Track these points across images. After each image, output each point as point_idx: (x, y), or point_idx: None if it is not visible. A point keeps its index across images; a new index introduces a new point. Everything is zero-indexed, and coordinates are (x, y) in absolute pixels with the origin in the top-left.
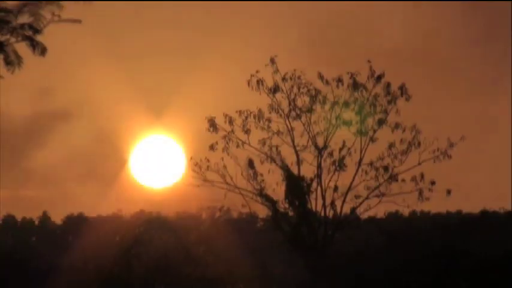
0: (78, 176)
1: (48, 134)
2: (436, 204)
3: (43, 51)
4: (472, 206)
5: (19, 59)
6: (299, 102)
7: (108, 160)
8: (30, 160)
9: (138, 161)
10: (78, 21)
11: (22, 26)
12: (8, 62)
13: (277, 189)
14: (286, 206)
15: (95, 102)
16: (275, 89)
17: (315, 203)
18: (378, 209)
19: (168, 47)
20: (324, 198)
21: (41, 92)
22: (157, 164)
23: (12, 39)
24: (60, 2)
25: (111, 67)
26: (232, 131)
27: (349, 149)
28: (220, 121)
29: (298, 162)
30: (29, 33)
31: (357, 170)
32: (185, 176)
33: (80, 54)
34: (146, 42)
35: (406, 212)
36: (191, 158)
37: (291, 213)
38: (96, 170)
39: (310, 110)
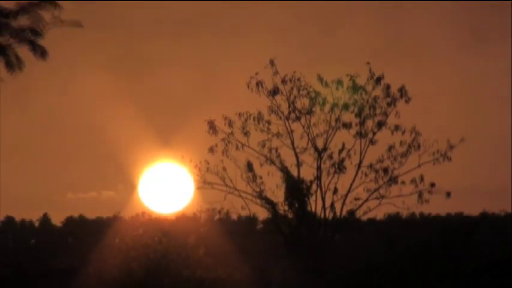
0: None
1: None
2: (436, 207)
3: (43, 54)
4: (472, 208)
5: (20, 62)
6: (299, 104)
7: (116, 185)
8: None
9: (147, 188)
10: (79, 24)
11: (23, 29)
12: (9, 65)
13: (276, 191)
14: (286, 208)
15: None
16: (275, 91)
17: (315, 205)
18: (378, 211)
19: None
20: (323, 200)
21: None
22: (166, 191)
23: (14, 43)
24: (60, 1)
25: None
26: (232, 133)
27: (348, 151)
28: (220, 123)
29: (298, 164)
30: (30, 36)
31: (357, 172)
32: (193, 203)
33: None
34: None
35: (405, 214)
36: (191, 161)
37: (290, 216)
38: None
39: (309, 112)
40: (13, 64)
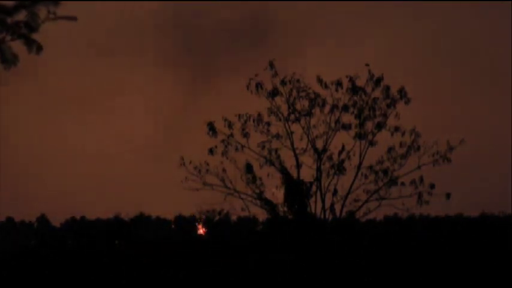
0: None
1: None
2: (436, 208)
3: (38, 49)
4: (471, 209)
5: (15, 57)
6: (298, 106)
7: None
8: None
9: None
10: (74, 18)
11: (18, 24)
12: (3, 61)
13: (276, 192)
14: (286, 209)
15: None
16: (274, 93)
17: (314, 207)
18: (378, 213)
19: None
20: (323, 201)
21: None
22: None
23: (8, 38)
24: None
25: None
26: (232, 134)
27: (348, 152)
28: (219, 125)
29: (298, 166)
30: (25, 31)
31: (356, 174)
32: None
33: None
34: None
35: (405, 215)
36: (190, 162)
37: (290, 217)
38: None
39: (309, 114)
40: (8, 60)
